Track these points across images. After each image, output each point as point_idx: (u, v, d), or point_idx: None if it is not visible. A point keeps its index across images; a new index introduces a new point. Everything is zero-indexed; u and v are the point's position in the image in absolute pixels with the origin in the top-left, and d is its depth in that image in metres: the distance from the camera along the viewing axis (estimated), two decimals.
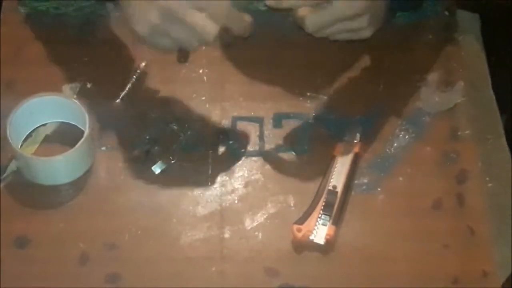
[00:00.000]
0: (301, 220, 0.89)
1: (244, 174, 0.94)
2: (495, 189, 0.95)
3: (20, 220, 0.90)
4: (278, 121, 0.98)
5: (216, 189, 0.93)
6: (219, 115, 0.98)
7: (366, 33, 0.94)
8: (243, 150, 0.96)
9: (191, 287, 0.87)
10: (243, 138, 0.96)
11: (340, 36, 0.94)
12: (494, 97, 1.04)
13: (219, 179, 0.94)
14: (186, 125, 0.97)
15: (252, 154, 0.96)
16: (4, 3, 1.04)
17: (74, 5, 1.04)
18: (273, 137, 0.97)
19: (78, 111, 0.92)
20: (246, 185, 0.94)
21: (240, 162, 0.95)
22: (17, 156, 0.91)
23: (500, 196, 0.96)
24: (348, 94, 1.01)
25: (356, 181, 0.94)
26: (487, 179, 0.96)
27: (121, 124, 0.97)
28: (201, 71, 1.01)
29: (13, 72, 0.99)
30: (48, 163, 0.90)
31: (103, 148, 0.95)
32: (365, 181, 0.94)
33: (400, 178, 0.94)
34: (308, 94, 1.00)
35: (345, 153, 0.94)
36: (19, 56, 1.01)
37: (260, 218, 0.91)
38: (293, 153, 0.96)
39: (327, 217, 0.90)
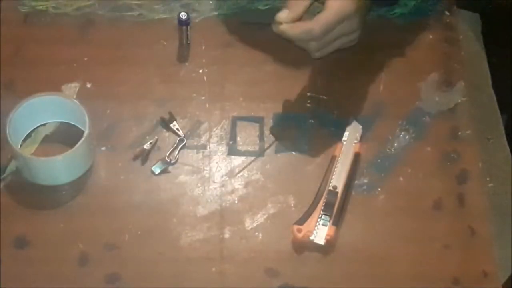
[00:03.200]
0: (301, 221, 0.89)
1: (244, 174, 0.94)
2: (495, 189, 0.96)
3: (19, 220, 0.90)
4: (278, 121, 0.98)
5: (216, 189, 0.93)
6: (219, 115, 0.98)
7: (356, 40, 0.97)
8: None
9: None
10: None
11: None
12: (494, 97, 1.04)
13: (219, 179, 0.94)
14: (186, 125, 0.97)
15: (252, 154, 0.96)
16: (3, 3, 1.04)
17: (73, 5, 1.04)
18: (273, 137, 0.97)
19: (78, 111, 0.92)
20: (246, 185, 0.93)
21: (240, 162, 0.95)
22: (16, 156, 0.91)
23: (500, 196, 0.96)
24: (348, 94, 1.00)
25: (356, 181, 0.94)
26: (488, 179, 0.96)
27: (121, 124, 0.96)
28: (201, 71, 1.01)
29: (12, 72, 0.99)
30: (47, 163, 0.90)
31: (103, 148, 0.95)
32: (366, 181, 0.94)
33: (401, 178, 0.94)
34: (308, 94, 1.00)
35: (345, 153, 0.94)
36: (18, 55, 1.01)
37: (260, 218, 0.91)
38: (293, 153, 0.96)
39: (327, 218, 0.90)
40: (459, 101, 1.00)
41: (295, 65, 1.02)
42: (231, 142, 0.96)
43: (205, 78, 1.01)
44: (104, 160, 0.94)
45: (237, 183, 0.94)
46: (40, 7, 1.04)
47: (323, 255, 0.89)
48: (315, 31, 0.90)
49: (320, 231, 0.89)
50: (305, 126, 0.98)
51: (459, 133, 0.98)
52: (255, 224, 0.91)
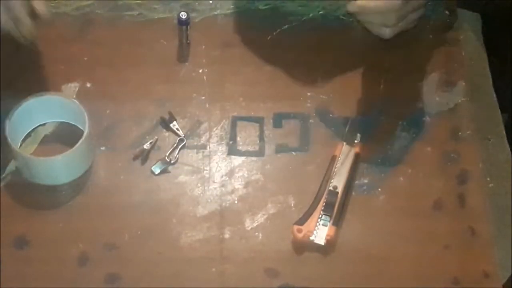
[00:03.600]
0: (302, 221, 0.89)
1: (244, 174, 0.94)
2: (496, 190, 0.95)
3: (19, 220, 0.90)
4: (278, 121, 0.98)
5: (216, 189, 0.93)
6: (219, 115, 0.98)
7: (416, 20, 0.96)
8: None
9: None
10: None
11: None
12: (495, 96, 1.04)
13: (219, 179, 0.94)
14: (186, 125, 0.97)
15: (252, 154, 0.96)
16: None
17: (73, 5, 1.04)
18: (273, 137, 0.97)
19: (78, 110, 0.91)
20: (246, 185, 0.93)
21: (240, 162, 0.95)
22: (16, 155, 0.90)
23: (501, 197, 0.95)
24: (348, 94, 1.00)
25: (356, 182, 0.94)
26: (488, 179, 0.96)
27: (121, 124, 0.96)
28: (201, 71, 1.01)
29: (12, 71, 0.99)
30: (47, 163, 0.90)
31: (103, 148, 0.95)
32: (366, 181, 0.94)
33: (401, 179, 0.94)
34: (308, 94, 1.00)
35: (345, 153, 0.94)
36: (18, 55, 1.00)
37: (260, 218, 0.91)
38: (293, 153, 0.96)
39: (328, 218, 0.89)
40: (460, 101, 1.00)
41: (295, 65, 1.02)
42: (231, 142, 0.96)
43: (205, 78, 1.00)
44: (104, 160, 0.94)
45: (237, 183, 0.93)
46: None
47: (323, 255, 0.89)
48: None
49: (320, 231, 0.89)
50: (305, 126, 0.98)
51: (460, 133, 0.98)
52: (255, 224, 0.91)
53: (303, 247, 0.89)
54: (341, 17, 1.05)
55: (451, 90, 1.01)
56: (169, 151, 0.95)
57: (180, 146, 0.95)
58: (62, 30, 1.03)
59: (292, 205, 0.92)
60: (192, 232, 0.90)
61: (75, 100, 0.93)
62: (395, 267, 0.89)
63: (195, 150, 0.96)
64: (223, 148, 0.96)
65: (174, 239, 0.89)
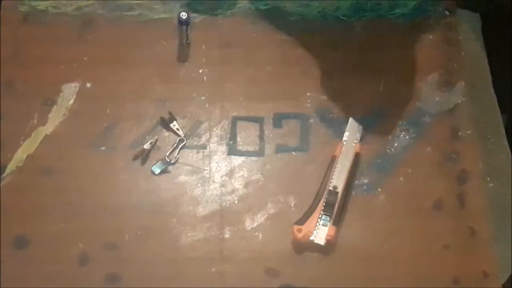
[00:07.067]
0: (302, 221, 0.89)
1: (244, 174, 0.94)
2: (496, 189, 0.95)
3: (19, 220, 0.90)
4: (278, 121, 0.98)
5: (216, 189, 0.93)
6: (219, 115, 0.98)
7: None
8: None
9: None
10: None
11: None
12: (495, 97, 1.04)
13: (219, 179, 0.94)
14: (186, 125, 0.97)
15: (252, 154, 0.96)
16: (3, 3, 1.04)
17: (73, 5, 1.04)
18: (273, 137, 0.97)
19: None
20: (246, 185, 0.94)
21: (240, 162, 0.95)
22: None
23: (501, 196, 0.96)
24: (348, 94, 1.00)
25: (356, 182, 0.94)
26: (488, 179, 0.96)
27: (121, 124, 0.96)
28: (201, 71, 1.01)
29: (12, 71, 0.99)
30: None
31: (103, 148, 0.95)
32: (366, 181, 0.94)
33: (401, 179, 0.94)
34: (308, 94, 1.00)
35: (345, 153, 0.94)
36: (18, 55, 1.00)
37: (260, 218, 0.91)
38: (293, 153, 0.96)
39: (328, 218, 0.90)
40: (459, 101, 1.00)
41: (295, 65, 1.02)
42: (231, 142, 0.96)
43: (205, 78, 1.01)
44: (104, 160, 0.94)
45: (237, 183, 0.94)
46: (40, 7, 1.04)
47: (323, 255, 0.89)
48: None
49: (320, 231, 0.89)
50: (305, 126, 0.98)
51: (459, 133, 0.98)
52: (255, 224, 0.91)
53: (303, 247, 0.89)
54: (341, 17, 1.05)
55: (451, 90, 1.01)
56: (169, 151, 0.95)
57: (180, 146, 0.95)
58: (63, 30, 1.03)
59: (292, 205, 0.92)
60: (192, 232, 0.90)
61: None
62: (395, 267, 0.89)
63: (195, 150, 0.96)
64: (223, 148, 0.96)
65: (174, 239, 0.90)
